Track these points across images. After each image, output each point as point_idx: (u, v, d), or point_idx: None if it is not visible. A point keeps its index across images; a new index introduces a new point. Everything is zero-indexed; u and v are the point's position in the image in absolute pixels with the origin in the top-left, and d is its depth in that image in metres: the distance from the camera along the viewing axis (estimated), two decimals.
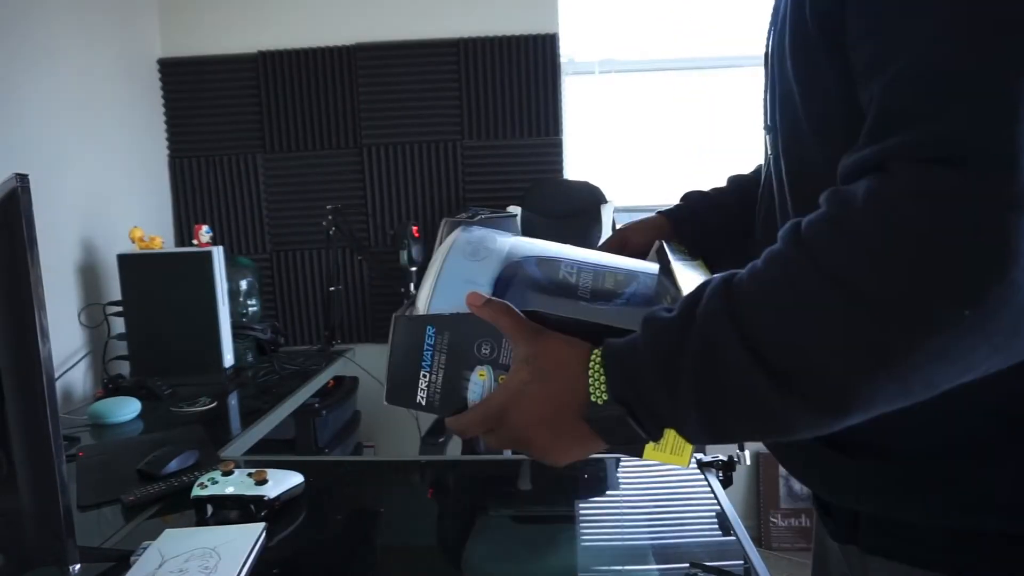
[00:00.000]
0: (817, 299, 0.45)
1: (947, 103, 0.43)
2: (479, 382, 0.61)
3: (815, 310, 0.45)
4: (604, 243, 0.83)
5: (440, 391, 0.62)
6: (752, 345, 0.47)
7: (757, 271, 0.49)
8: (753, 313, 0.48)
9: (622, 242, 0.82)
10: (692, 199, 0.86)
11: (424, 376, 0.62)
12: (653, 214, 0.85)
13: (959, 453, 0.55)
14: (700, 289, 0.52)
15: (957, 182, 0.41)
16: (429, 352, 0.61)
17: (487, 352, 0.61)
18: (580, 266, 0.65)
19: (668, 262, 0.68)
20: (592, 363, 0.55)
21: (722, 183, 0.88)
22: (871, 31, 0.48)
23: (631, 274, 0.65)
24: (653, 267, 0.67)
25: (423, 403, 0.62)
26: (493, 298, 0.60)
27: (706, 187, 0.88)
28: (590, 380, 0.55)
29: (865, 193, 0.45)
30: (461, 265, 0.63)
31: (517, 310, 0.59)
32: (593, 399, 0.54)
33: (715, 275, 0.53)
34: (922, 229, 0.42)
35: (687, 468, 1.21)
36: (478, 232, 0.67)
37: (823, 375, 0.46)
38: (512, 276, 0.63)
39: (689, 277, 0.65)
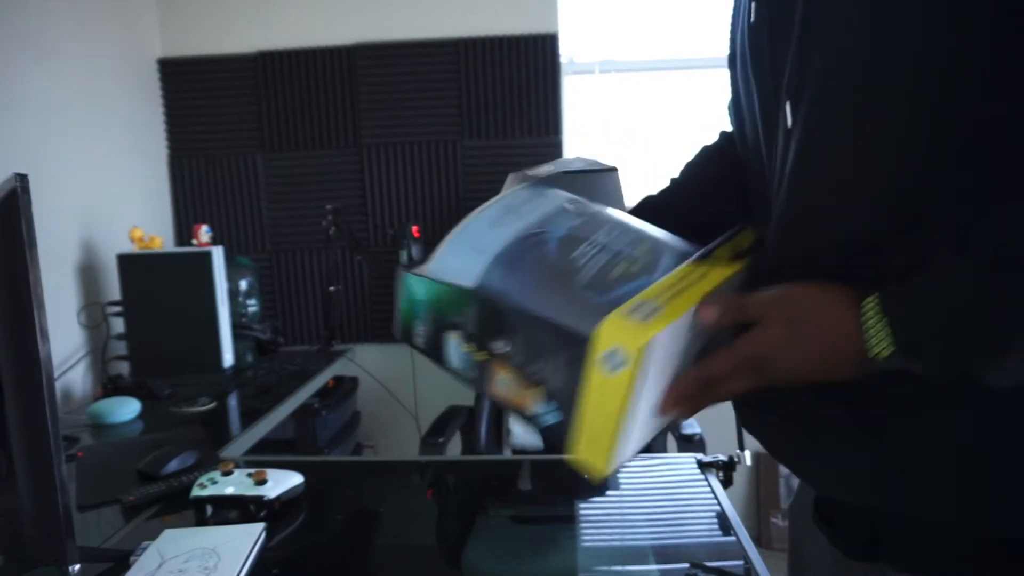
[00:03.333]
0: None
1: None
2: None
3: None
4: None
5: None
6: None
7: None
8: None
9: None
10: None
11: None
12: None
13: (966, 450, 0.54)
14: (974, 237, 0.50)
15: None
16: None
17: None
18: (607, 246, 0.61)
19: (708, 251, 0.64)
20: (867, 312, 0.52)
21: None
22: None
23: (648, 265, 0.61)
24: (685, 252, 0.63)
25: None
26: (721, 307, 0.56)
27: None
28: (869, 331, 0.52)
29: None
30: (477, 231, 0.62)
31: (735, 298, 0.57)
32: (876, 351, 0.52)
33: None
34: None
35: (673, 469, 1.21)
36: (523, 193, 0.65)
37: None
38: (523, 252, 0.60)
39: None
